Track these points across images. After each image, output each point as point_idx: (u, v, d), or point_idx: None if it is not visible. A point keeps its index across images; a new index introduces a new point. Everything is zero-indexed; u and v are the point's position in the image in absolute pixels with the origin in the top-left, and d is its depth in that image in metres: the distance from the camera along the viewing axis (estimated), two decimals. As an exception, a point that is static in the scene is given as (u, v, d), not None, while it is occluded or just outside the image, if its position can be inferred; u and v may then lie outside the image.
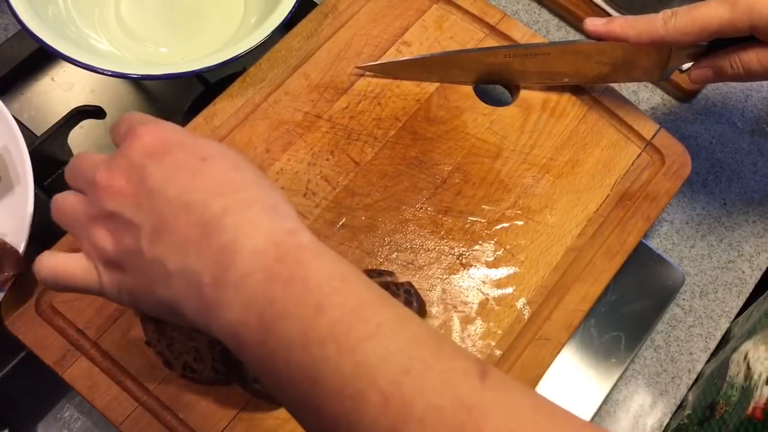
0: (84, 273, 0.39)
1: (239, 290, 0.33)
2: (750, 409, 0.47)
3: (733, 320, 0.59)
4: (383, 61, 0.57)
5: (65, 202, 0.40)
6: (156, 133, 0.38)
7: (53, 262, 0.40)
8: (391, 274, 0.50)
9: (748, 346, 0.52)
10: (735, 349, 0.54)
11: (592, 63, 0.54)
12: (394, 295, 0.48)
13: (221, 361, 0.45)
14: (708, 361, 0.58)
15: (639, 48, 0.52)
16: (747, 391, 0.48)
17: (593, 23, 0.52)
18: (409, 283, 0.49)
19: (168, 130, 0.38)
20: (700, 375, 0.57)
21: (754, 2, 0.46)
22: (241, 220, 0.35)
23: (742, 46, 0.49)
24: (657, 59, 0.52)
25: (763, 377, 0.48)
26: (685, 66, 0.64)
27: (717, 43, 0.50)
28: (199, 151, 0.37)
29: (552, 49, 0.54)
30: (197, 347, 0.45)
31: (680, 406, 0.57)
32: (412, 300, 0.48)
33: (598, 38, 0.52)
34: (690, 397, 0.56)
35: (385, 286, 0.48)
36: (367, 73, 0.57)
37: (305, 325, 0.32)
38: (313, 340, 0.32)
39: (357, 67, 0.57)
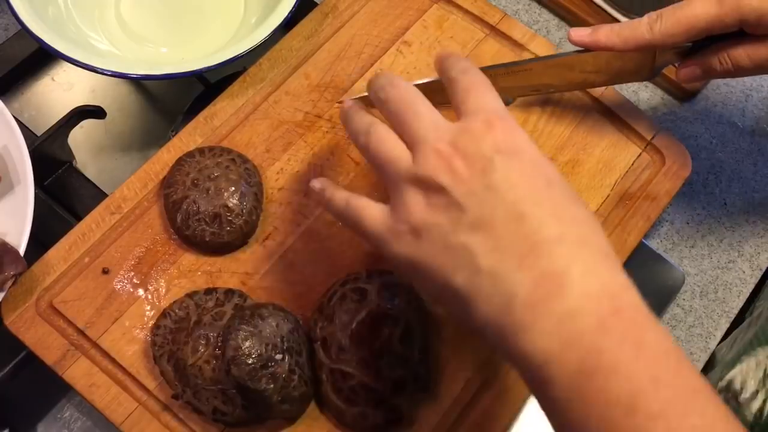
0: (378, 219, 0.39)
1: (563, 325, 0.33)
2: None
3: (718, 344, 0.58)
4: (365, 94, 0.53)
5: (387, 144, 0.39)
6: (512, 134, 0.38)
7: (351, 195, 0.40)
8: (391, 273, 0.50)
9: (733, 374, 0.51)
10: (721, 379, 0.53)
11: (576, 72, 0.53)
12: (395, 296, 0.48)
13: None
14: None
15: (624, 54, 0.51)
16: None
17: (578, 34, 0.50)
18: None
19: (524, 138, 0.38)
20: None
21: None
22: (575, 254, 0.34)
23: (730, 42, 0.48)
24: (642, 61, 0.52)
25: (752, 408, 0.47)
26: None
27: (703, 41, 0.49)
28: (547, 171, 0.37)
29: (534, 65, 0.53)
30: (224, 390, 0.44)
31: None
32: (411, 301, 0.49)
33: (584, 48, 0.51)
34: None
35: (386, 286, 0.48)
36: (367, 70, 0.57)
37: (635, 390, 0.32)
38: (640, 410, 0.31)
39: (338, 103, 0.55)
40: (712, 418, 0.32)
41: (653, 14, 0.48)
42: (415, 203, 0.37)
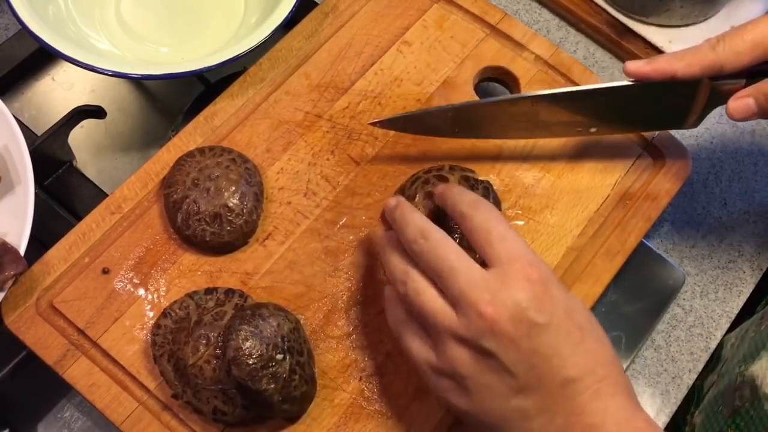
0: (422, 352, 0.41)
1: None
2: None
3: (725, 335, 0.58)
4: (400, 115, 0.53)
5: (420, 289, 0.40)
6: (548, 286, 0.39)
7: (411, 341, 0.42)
8: (473, 171, 0.52)
9: (754, 369, 0.51)
10: (740, 374, 0.53)
11: (618, 108, 0.50)
12: (473, 188, 0.50)
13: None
14: (703, 372, 0.57)
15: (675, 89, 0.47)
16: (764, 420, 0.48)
17: (636, 65, 0.47)
18: (488, 182, 0.52)
19: (556, 284, 0.39)
20: (700, 390, 0.57)
21: None
22: (609, 405, 0.38)
23: None
24: (690, 99, 0.48)
25: None
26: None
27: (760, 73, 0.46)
28: (576, 316, 0.39)
29: (577, 93, 0.50)
30: (224, 389, 0.44)
31: (685, 422, 0.56)
32: (489, 196, 0.50)
33: (643, 79, 0.47)
34: (696, 421, 0.56)
35: (466, 179, 0.51)
36: (367, 70, 0.57)
37: None
38: None
39: (369, 124, 0.54)
40: None
41: (712, 39, 0.46)
42: (462, 361, 0.39)
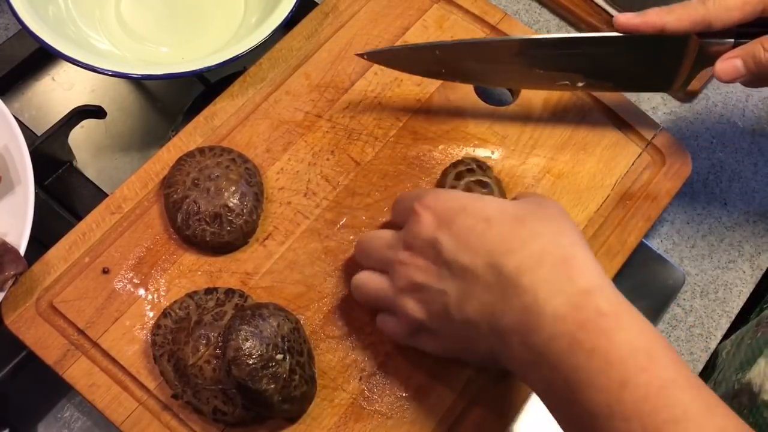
0: (401, 332, 0.45)
1: (546, 354, 0.36)
2: None
3: (720, 343, 0.58)
4: (386, 48, 0.55)
5: (370, 283, 0.45)
6: (436, 204, 0.41)
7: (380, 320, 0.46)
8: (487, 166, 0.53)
9: (751, 375, 0.51)
10: (736, 381, 0.53)
11: (605, 60, 0.50)
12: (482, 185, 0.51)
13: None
14: (701, 378, 0.57)
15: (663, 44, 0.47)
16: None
17: (626, 16, 0.47)
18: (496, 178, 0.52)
19: (447, 198, 0.42)
20: None
21: None
22: (536, 279, 0.37)
23: None
24: (679, 59, 0.48)
25: None
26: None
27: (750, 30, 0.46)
28: (479, 211, 0.40)
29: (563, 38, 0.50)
30: (224, 389, 0.44)
31: None
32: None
33: (633, 31, 0.47)
34: None
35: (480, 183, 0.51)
36: (367, 70, 0.57)
37: (609, 399, 0.33)
38: (617, 415, 0.33)
39: (356, 54, 0.54)
40: (691, 409, 0.33)
41: None
42: (414, 309, 0.43)
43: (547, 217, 0.41)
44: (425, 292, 0.42)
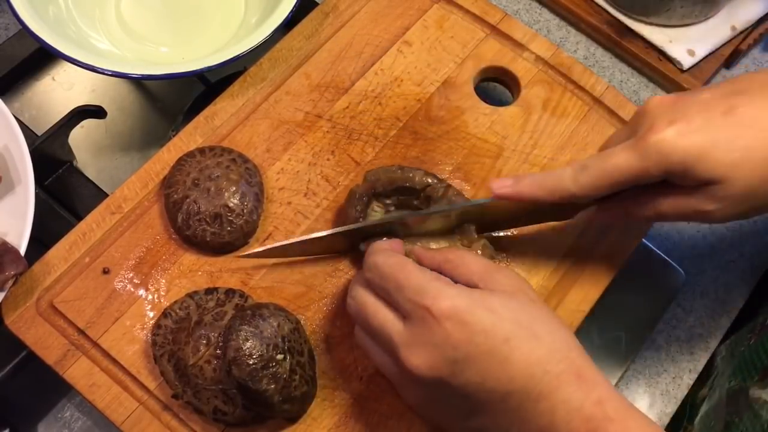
0: (388, 373, 0.43)
1: None
2: None
3: (717, 347, 0.58)
4: (268, 247, 0.50)
5: (373, 320, 0.42)
6: (456, 320, 0.39)
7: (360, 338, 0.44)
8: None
9: (749, 385, 0.51)
10: (731, 388, 0.53)
11: (495, 215, 0.50)
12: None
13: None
14: (697, 383, 0.57)
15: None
16: None
17: (500, 185, 0.47)
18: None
19: (465, 309, 0.39)
20: (693, 401, 0.57)
21: (661, 146, 0.42)
22: (554, 403, 0.38)
23: (653, 192, 0.45)
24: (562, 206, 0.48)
25: None
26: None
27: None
28: (499, 330, 0.39)
29: (443, 211, 0.49)
30: (225, 389, 0.44)
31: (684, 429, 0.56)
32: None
33: (506, 199, 0.47)
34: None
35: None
36: (367, 70, 0.57)
37: None
38: None
39: (240, 257, 0.51)
40: None
41: (577, 164, 0.45)
42: (416, 394, 0.42)
43: (547, 319, 0.41)
44: (436, 395, 0.41)
